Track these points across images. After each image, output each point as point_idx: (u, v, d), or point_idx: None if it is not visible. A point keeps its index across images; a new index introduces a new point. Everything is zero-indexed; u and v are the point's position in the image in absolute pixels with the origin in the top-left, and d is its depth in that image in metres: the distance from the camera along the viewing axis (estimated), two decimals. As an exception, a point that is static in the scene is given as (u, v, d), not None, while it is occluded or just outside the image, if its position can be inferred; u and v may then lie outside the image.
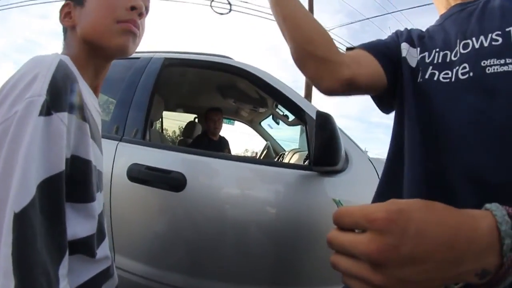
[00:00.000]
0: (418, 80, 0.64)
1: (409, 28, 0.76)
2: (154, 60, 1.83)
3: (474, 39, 0.57)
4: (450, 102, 0.57)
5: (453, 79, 0.58)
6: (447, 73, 0.59)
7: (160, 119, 3.70)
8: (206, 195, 1.46)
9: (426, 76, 0.62)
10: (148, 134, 1.77)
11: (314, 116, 1.55)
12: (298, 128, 4.39)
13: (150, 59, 1.84)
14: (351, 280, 0.34)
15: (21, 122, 0.43)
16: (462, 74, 0.56)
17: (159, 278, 1.47)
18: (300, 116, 1.68)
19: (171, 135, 9.47)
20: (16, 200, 0.41)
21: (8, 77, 0.49)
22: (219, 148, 3.21)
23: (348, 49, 0.76)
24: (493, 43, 0.54)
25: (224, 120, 4.53)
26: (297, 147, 3.55)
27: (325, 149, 1.30)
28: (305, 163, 2.10)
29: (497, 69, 0.52)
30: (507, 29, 0.53)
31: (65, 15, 0.65)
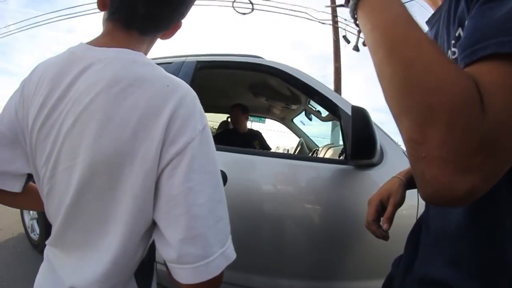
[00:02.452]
0: None
1: None
2: (187, 64, 1.88)
3: (449, 54, 0.53)
4: None
5: None
6: None
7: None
8: (246, 191, 1.51)
9: None
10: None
11: (347, 111, 1.55)
12: (329, 124, 4.35)
13: (183, 63, 1.89)
14: None
15: (209, 136, 0.56)
16: None
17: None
18: (333, 111, 1.68)
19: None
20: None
21: None
22: (247, 139, 3.23)
23: None
24: (453, 56, 0.49)
25: (255, 118, 4.56)
26: (330, 143, 3.52)
27: (362, 142, 1.31)
28: (340, 158, 2.09)
29: None
30: (456, 34, 0.49)
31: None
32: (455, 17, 0.50)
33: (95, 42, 0.58)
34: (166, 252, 0.52)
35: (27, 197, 0.70)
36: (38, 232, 2.58)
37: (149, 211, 0.53)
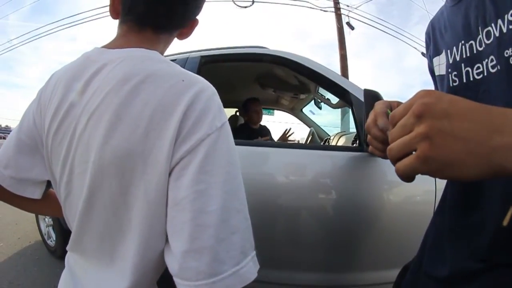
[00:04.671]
0: (453, 85, 0.59)
1: (429, 24, 0.70)
2: (191, 60, 1.85)
3: (493, 25, 0.49)
4: (482, 103, 0.52)
5: (485, 73, 0.52)
6: (478, 67, 0.53)
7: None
8: (258, 183, 1.48)
9: (463, 78, 0.57)
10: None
11: (359, 96, 1.50)
12: (338, 112, 4.29)
13: (187, 59, 1.86)
14: (404, 149, 0.37)
15: (229, 135, 0.50)
16: (492, 67, 0.50)
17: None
18: (344, 97, 1.63)
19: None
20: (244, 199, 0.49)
21: None
22: (260, 135, 3.22)
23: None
24: (511, 26, 0.46)
25: (264, 111, 4.54)
26: (341, 131, 3.47)
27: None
28: (354, 145, 2.04)
29: None
30: None
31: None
32: None
33: (110, 45, 0.58)
34: (170, 263, 0.46)
35: (47, 203, 0.69)
36: (54, 238, 2.62)
37: (165, 218, 0.49)
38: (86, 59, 0.56)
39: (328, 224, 1.48)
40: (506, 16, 0.46)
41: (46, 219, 2.72)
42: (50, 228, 2.67)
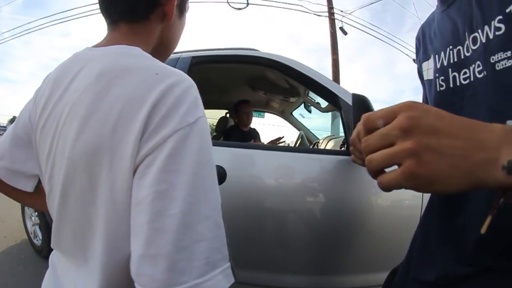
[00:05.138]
0: (440, 89, 0.61)
1: (420, 28, 0.71)
2: (182, 60, 1.83)
3: (479, 31, 0.50)
4: (468, 108, 0.53)
5: (472, 79, 0.53)
6: (465, 72, 0.54)
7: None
8: (246, 186, 1.48)
9: (450, 82, 0.58)
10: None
11: (347, 100, 1.51)
12: (329, 116, 4.32)
13: (178, 59, 1.84)
14: (387, 163, 0.37)
15: (203, 133, 0.46)
16: (479, 72, 0.51)
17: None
18: (333, 101, 1.64)
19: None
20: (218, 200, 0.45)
21: None
22: (249, 138, 3.23)
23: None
24: (497, 32, 0.47)
25: (254, 113, 4.55)
26: (330, 135, 3.49)
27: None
28: (342, 149, 2.06)
29: (505, 64, 0.45)
30: (507, 10, 0.45)
31: (174, 6, 0.61)
32: None
33: (97, 45, 0.58)
34: (131, 267, 0.42)
35: (40, 197, 0.70)
36: (40, 237, 2.57)
37: None
38: (75, 57, 0.57)
39: (316, 227, 1.49)
40: (492, 23, 0.47)
41: (33, 218, 2.67)
42: (37, 227, 2.62)
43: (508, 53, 0.45)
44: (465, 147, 0.34)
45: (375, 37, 10.38)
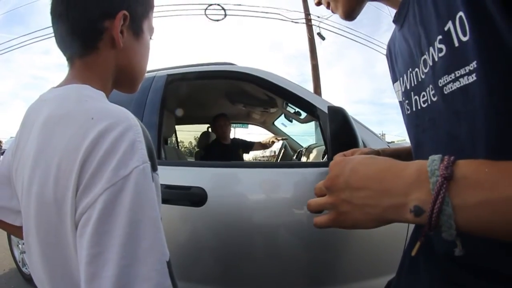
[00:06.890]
0: (407, 113, 0.60)
1: (387, 46, 0.70)
2: (157, 79, 1.81)
3: (427, 53, 0.48)
4: (429, 132, 0.52)
5: (429, 102, 0.51)
6: (423, 95, 0.52)
7: (174, 134, 3.71)
8: (228, 206, 1.44)
9: (413, 106, 0.57)
10: (163, 152, 1.76)
11: (326, 110, 1.50)
12: (313, 123, 4.34)
13: (153, 78, 1.82)
14: (318, 209, 0.49)
15: (140, 185, 0.42)
16: (433, 95, 0.49)
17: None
18: (311, 112, 1.64)
19: (188, 146, 9.58)
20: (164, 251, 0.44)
21: (21, 116, 0.58)
22: (233, 150, 3.21)
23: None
24: (440, 54, 0.45)
25: (237, 125, 4.54)
26: (314, 142, 3.50)
27: (341, 142, 1.24)
28: (324, 158, 2.05)
29: (451, 87, 0.43)
30: (445, 28, 0.42)
31: (121, 31, 0.58)
32: (436, 7, 0.44)
33: (59, 84, 0.58)
34: None
35: None
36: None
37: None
38: (39, 100, 0.57)
39: (305, 240, 1.46)
40: (435, 44, 0.45)
41: (20, 246, 2.60)
42: (25, 255, 2.51)
43: (452, 76, 0.42)
44: (374, 196, 0.40)
45: (353, 40, 10.57)
